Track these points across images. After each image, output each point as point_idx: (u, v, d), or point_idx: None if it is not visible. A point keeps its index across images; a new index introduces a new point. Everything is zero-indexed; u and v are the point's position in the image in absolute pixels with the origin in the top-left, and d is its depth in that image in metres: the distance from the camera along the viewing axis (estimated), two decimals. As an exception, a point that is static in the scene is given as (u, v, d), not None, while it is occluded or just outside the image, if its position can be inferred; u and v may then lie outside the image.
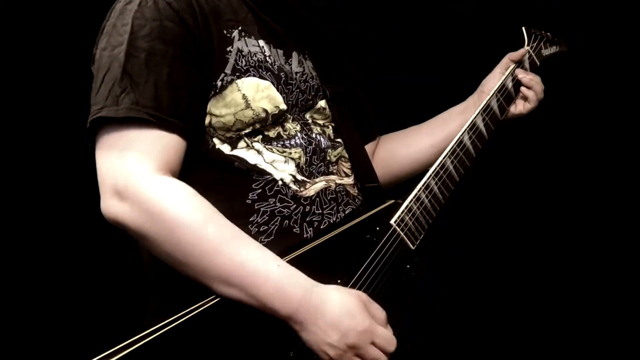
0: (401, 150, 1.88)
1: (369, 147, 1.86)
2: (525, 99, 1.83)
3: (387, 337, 1.34)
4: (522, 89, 1.83)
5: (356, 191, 1.58)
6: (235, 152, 1.43)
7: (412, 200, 1.55)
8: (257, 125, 1.44)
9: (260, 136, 1.45)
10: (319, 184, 1.50)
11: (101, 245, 2.43)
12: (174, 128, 1.34)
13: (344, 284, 1.40)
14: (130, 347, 1.18)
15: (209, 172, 1.40)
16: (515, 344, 2.74)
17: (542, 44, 1.97)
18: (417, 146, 1.87)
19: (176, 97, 1.35)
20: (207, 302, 1.28)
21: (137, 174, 1.29)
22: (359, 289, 1.42)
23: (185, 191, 1.30)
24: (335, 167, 1.56)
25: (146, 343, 1.20)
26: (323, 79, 1.64)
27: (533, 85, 1.82)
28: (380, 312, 1.36)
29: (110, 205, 1.29)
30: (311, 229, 1.45)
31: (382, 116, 2.02)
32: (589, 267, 2.73)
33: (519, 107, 1.84)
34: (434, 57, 2.72)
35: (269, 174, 1.43)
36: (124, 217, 1.28)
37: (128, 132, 1.32)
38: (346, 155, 1.60)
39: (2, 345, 2.30)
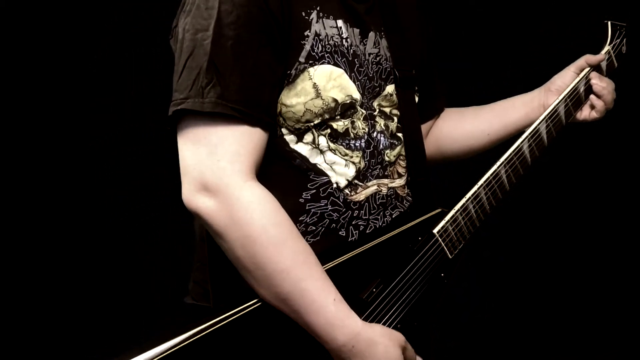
0: (455, 132, 1.84)
1: (429, 123, 1.84)
2: (592, 107, 1.77)
3: None
4: (592, 97, 1.76)
5: (406, 191, 1.59)
6: (299, 147, 1.42)
7: (458, 210, 1.55)
8: (326, 116, 1.42)
9: (329, 130, 1.44)
10: (371, 188, 1.50)
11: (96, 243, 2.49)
12: (259, 123, 1.34)
13: (380, 291, 1.45)
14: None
15: (270, 164, 1.40)
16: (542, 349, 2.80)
17: (624, 40, 1.86)
18: (472, 132, 1.83)
19: (261, 90, 1.34)
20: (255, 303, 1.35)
21: (229, 175, 1.30)
22: (394, 295, 1.47)
23: (271, 202, 1.32)
24: (391, 168, 1.55)
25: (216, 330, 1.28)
26: (396, 60, 1.58)
27: (604, 95, 1.75)
28: (413, 355, 1.43)
29: (195, 198, 1.31)
30: (357, 232, 1.47)
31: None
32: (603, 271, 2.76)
33: (584, 113, 1.77)
34: (463, 43, 2.58)
35: (327, 175, 1.44)
36: (208, 213, 1.31)
37: (216, 128, 1.31)
38: (404, 153, 1.59)
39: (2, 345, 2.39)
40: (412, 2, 1.71)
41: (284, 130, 1.41)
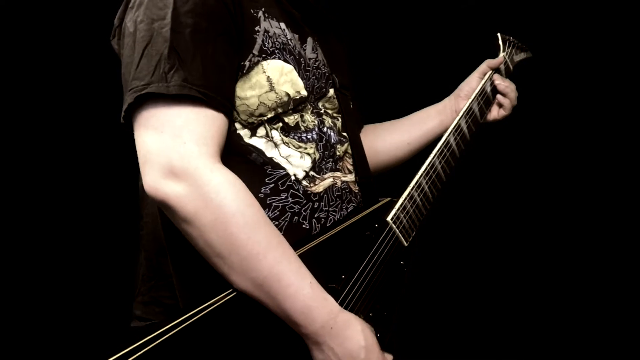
0: (378, 144, 1.91)
1: None
2: (500, 105, 1.91)
3: None
4: (498, 96, 1.91)
5: (357, 188, 1.61)
6: (254, 141, 1.41)
7: (406, 198, 1.60)
8: (279, 110, 1.43)
9: (280, 124, 1.44)
10: (327, 180, 1.51)
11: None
12: (221, 108, 1.33)
13: (348, 279, 1.44)
14: (159, 339, 1.19)
15: (227, 160, 1.36)
16: (504, 340, 2.81)
17: (514, 50, 2.05)
18: (394, 142, 1.91)
19: (221, 76, 1.34)
20: (226, 296, 1.29)
21: (196, 157, 1.26)
22: (360, 283, 1.46)
23: (243, 186, 1.30)
24: (341, 163, 1.58)
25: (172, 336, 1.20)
26: (332, 67, 1.65)
27: (508, 93, 1.90)
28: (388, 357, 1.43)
29: (162, 184, 1.25)
30: (319, 225, 1.47)
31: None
32: (581, 265, 2.82)
33: (493, 113, 1.91)
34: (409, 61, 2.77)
35: (283, 168, 1.43)
36: (176, 198, 1.25)
37: (181, 111, 1.28)
38: (350, 151, 1.62)
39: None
40: (329, 16, 1.79)
41: (237, 125, 1.40)
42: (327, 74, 1.61)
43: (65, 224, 2.39)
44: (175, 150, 1.26)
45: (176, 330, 1.23)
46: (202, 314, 1.26)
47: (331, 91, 1.62)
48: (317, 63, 1.59)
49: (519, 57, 2.08)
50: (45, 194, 2.38)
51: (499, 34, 2.03)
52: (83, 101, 2.39)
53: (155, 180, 1.26)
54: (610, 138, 2.77)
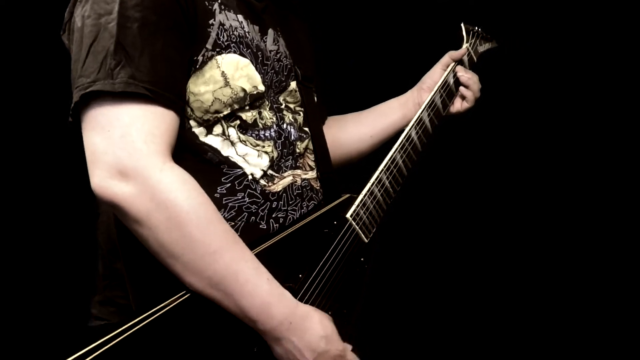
0: (342, 136, 1.89)
1: None
2: (463, 97, 1.89)
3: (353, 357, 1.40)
4: (461, 88, 1.88)
5: (318, 184, 1.59)
6: (209, 140, 1.39)
7: (366, 194, 1.58)
8: (236, 106, 1.40)
9: (238, 121, 1.42)
10: (287, 179, 1.49)
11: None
12: (171, 105, 1.29)
13: (305, 277, 1.42)
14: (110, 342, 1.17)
15: (181, 159, 1.33)
16: (470, 337, 2.81)
17: (478, 40, 2.04)
18: (357, 135, 1.90)
19: (171, 72, 1.30)
20: (179, 298, 1.27)
21: (145, 156, 1.23)
22: (319, 282, 1.44)
23: (195, 184, 1.27)
24: (302, 160, 1.56)
25: (125, 338, 1.19)
26: (295, 59, 1.62)
27: (470, 85, 1.88)
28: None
29: (110, 185, 1.22)
30: (277, 225, 1.45)
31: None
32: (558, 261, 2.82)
33: (456, 106, 1.89)
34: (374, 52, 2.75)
35: (240, 167, 1.41)
36: (126, 199, 1.22)
37: (128, 108, 1.25)
38: (312, 147, 1.60)
39: None
40: (295, 9, 1.78)
41: (192, 123, 1.37)
42: (289, 66, 1.59)
43: (28, 221, 2.36)
44: (124, 149, 1.23)
45: (128, 333, 1.21)
46: (155, 316, 1.24)
47: (293, 84, 1.60)
48: (278, 55, 1.56)
49: (484, 47, 2.06)
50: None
51: (462, 25, 2.01)
52: (38, 99, 2.36)
53: (103, 180, 1.23)
54: (599, 134, 2.76)
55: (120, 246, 1.39)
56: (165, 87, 1.28)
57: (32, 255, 2.34)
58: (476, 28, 2.05)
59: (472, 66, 1.97)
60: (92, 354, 1.16)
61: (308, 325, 1.32)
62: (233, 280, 1.26)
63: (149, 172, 1.22)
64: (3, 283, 2.27)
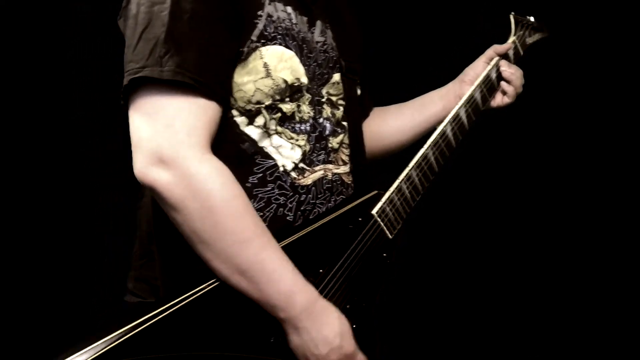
0: (382, 128, 1.92)
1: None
2: (504, 93, 1.87)
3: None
4: (502, 83, 1.87)
5: (350, 179, 1.63)
6: (249, 130, 1.43)
7: (393, 191, 1.61)
8: (277, 97, 1.44)
9: (279, 114, 1.46)
10: (318, 172, 1.53)
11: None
12: (215, 96, 1.35)
13: (326, 273, 1.48)
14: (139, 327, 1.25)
15: (218, 147, 1.39)
16: (493, 337, 2.86)
17: (527, 32, 2.00)
18: (397, 127, 1.91)
19: (218, 63, 1.35)
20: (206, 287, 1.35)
21: (186, 147, 1.29)
22: (339, 277, 1.49)
23: (229, 175, 1.34)
24: (335, 155, 1.59)
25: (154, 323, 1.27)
26: (342, 51, 1.64)
27: (513, 80, 1.86)
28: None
29: (151, 172, 1.30)
30: (302, 217, 1.50)
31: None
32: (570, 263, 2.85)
33: (497, 100, 1.88)
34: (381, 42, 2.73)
35: (273, 159, 1.46)
36: (164, 185, 1.30)
37: (174, 99, 1.31)
38: (347, 141, 1.63)
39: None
40: (346, 2, 1.79)
41: (234, 112, 1.42)
42: (334, 58, 1.61)
43: (68, 197, 2.49)
44: (166, 139, 1.29)
45: (157, 319, 1.29)
46: (180, 305, 1.32)
47: (336, 76, 1.62)
48: (324, 47, 1.59)
49: (533, 38, 2.02)
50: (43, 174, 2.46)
51: (511, 16, 1.98)
52: (48, 96, 2.44)
53: (144, 166, 1.31)
54: (609, 135, 2.74)
55: (155, 230, 1.47)
56: (210, 78, 1.33)
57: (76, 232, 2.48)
58: (528, 18, 2.01)
59: (518, 59, 1.95)
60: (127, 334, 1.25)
61: (326, 320, 1.38)
62: (259, 269, 1.33)
63: (188, 163, 1.29)
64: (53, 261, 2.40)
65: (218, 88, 1.35)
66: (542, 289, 2.86)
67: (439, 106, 1.88)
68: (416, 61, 2.70)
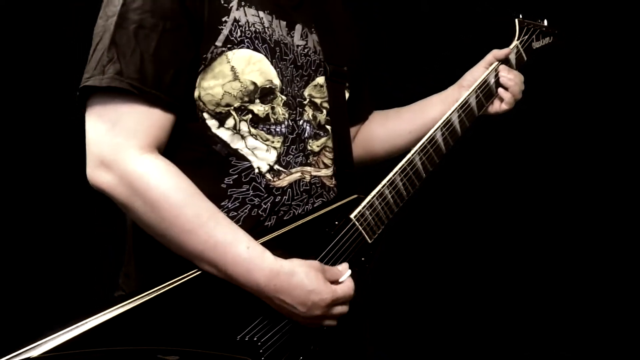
0: (380, 132, 1.92)
1: (356, 127, 1.92)
2: (501, 99, 1.84)
3: (346, 294, 1.48)
4: (500, 89, 1.84)
5: (333, 182, 1.65)
6: (220, 132, 1.48)
7: (374, 195, 1.61)
8: (246, 99, 1.49)
9: (250, 115, 1.50)
10: (294, 175, 1.56)
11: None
12: (157, 101, 1.40)
13: None
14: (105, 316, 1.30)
15: (191, 150, 1.47)
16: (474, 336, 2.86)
17: (534, 36, 1.96)
18: (396, 131, 1.91)
19: (161, 70, 1.40)
20: (185, 277, 1.40)
21: (124, 149, 1.36)
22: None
23: (168, 170, 1.39)
24: (316, 157, 1.61)
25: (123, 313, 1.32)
26: (327, 55, 1.67)
27: (511, 86, 1.83)
28: (336, 272, 1.49)
29: (97, 175, 1.39)
30: (275, 217, 1.52)
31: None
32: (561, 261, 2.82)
33: (494, 106, 1.85)
34: (383, 46, 2.72)
35: (248, 160, 1.50)
36: (109, 188, 1.38)
37: (116, 104, 1.38)
38: (331, 145, 1.65)
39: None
40: (340, 7, 1.81)
41: (205, 115, 1.47)
42: (317, 62, 1.64)
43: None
44: (107, 143, 1.37)
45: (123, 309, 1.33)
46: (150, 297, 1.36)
47: (320, 79, 1.64)
48: (306, 50, 1.62)
49: (540, 43, 1.98)
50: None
51: (516, 20, 1.94)
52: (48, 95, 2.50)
53: (91, 169, 1.39)
54: (606, 136, 2.67)
55: (130, 227, 1.54)
56: (153, 85, 1.38)
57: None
58: (537, 22, 1.97)
59: (521, 64, 1.91)
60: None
61: (294, 283, 1.41)
62: (213, 253, 1.38)
63: (126, 163, 1.36)
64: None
65: (160, 94, 1.40)
66: (538, 291, 2.84)
67: (437, 110, 1.86)
68: (419, 64, 2.68)
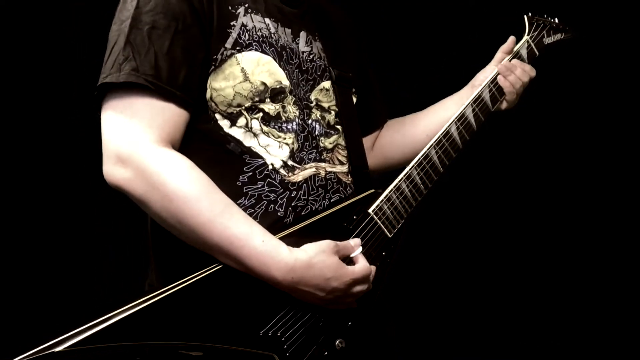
0: (398, 138, 1.94)
1: (373, 135, 1.94)
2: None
3: (364, 273, 1.47)
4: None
5: (349, 179, 1.65)
6: (233, 131, 1.51)
7: (392, 190, 1.62)
8: (257, 99, 1.52)
9: (261, 114, 1.53)
10: (308, 170, 1.57)
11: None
12: (172, 97, 1.43)
13: None
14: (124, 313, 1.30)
15: (205, 150, 1.49)
16: (494, 335, 2.82)
17: (544, 32, 1.97)
18: (412, 135, 1.92)
19: (175, 68, 1.44)
20: (206, 271, 1.40)
21: (140, 144, 1.39)
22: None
23: (184, 164, 1.41)
24: (330, 154, 1.63)
25: (142, 309, 1.31)
26: (331, 61, 1.70)
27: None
28: (348, 247, 1.49)
29: (113, 171, 1.41)
30: (293, 213, 1.53)
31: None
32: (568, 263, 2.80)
33: (504, 103, 1.86)
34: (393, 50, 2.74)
35: (262, 157, 1.52)
36: (126, 184, 1.40)
37: (131, 101, 1.42)
38: (343, 143, 1.67)
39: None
40: (344, 16, 1.86)
41: (217, 116, 1.51)
42: (322, 67, 1.67)
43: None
44: (123, 139, 1.40)
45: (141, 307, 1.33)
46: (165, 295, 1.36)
47: (326, 84, 1.67)
48: (311, 56, 1.66)
49: (552, 39, 1.99)
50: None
51: (525, 16, 1.96)
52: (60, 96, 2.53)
53: (108, 167, 1.41)
54: (609, 136, 2.66)
55: (149, 223, 1.56)
56: (167, 82, 1.42)
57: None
58: (547, 18, 1.98)
59: (532, 59, 1.92)
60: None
61: (312, 274, 1.41)
62: (229, 246, 1.39)
63: (142, 158, 1.38)
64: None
65: (176, 90, 1.44)
66: (542, 290, 2.82)
67: (452, 111, 1.86)
68: (426, 64, 2.71)
